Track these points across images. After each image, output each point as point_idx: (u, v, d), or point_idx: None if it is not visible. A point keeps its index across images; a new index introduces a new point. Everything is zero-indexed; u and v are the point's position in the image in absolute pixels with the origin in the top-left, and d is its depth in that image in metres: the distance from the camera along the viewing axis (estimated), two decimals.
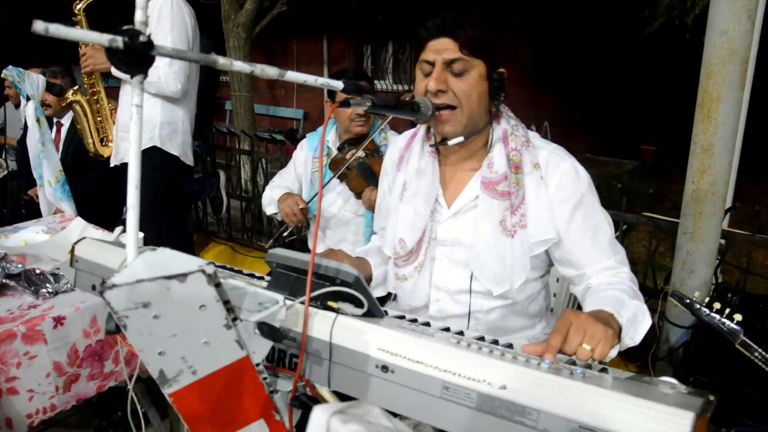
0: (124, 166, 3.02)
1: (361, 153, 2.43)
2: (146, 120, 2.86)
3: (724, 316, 1.62)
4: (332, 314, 0.98)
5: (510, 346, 1.10)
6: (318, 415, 0.77)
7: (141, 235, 1.91)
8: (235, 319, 0.85)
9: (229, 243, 4.74)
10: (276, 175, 2.78)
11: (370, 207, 2.36)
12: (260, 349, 0.91)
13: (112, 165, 3.11)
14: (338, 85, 1.14)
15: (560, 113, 7.92)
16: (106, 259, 1.34)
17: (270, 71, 1.02)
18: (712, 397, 0.80)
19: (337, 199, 2.58)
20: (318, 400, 0.92)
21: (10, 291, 1.82)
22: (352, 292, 1.00)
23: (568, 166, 1.49)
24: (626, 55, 7.51)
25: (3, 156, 4.20)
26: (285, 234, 2.68)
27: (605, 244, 1.49)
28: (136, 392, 1.91)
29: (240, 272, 1.41)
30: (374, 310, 1.03)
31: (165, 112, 2.91)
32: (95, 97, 3.17)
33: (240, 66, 1.00)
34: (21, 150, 3.63)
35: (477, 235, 1.49)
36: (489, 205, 1.48)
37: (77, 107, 3.23)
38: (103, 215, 2.99)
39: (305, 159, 2.67)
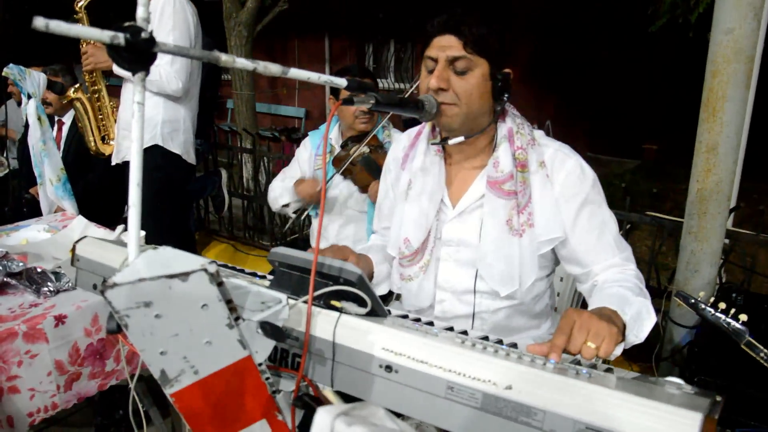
0: (125, 165, 3.03)
1: (365, 148, 2.43)
2: (148, 118, 2.86)
3: (730, 316, 1.61)
4: (335, 313, 0.97)
5: (514, 345, 1.09)
6: (322, 417, 0.77)
7: (142, 233, 1.91)
8: (237, 319, 0.84)
9: (230, 241, 4.74)
10: (279, 173, 2.78)
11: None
12: (263, 348, 0.90)
13: (113, 163, 3.10)
14: (342, 82, 1.13)
15: (562, 112, 7.91)
16: (108, 258, 1.33)
17: (273, 68, 1.01)
18: (719, 398, 0.80)
19: (340, 196, 2.58)
20: (321, 400, 0.91)
21: (11, 289, 1.81)
22: (356, 291, 0.99)
23: (573, 164, 1.48)
24: (628, 54, 7.49)
25: (5, 154, 4.19)
26: (302, 217, 2.67)
27: (611, 241, 1.48)
28: (138, 391, 1.91)
29: (242, 271, 1.40)
30: (378, 309, 1.02)
31: (167, 110, 2.90)
32: (96, 95, 3.16)
33: (243, 63, 0.99)
34: (22, 148, 3.62)
35: (483, 235, 1.48)
36: (495, 205, 1.46)
37: (78, 105, 3.23)
38: (105, 213, 2.99)
39: (308, 157, 2.66)
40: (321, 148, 2.60)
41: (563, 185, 1.46)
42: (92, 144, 3.27)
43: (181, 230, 3.36)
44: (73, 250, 1.40)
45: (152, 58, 0.87)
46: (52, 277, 1.82)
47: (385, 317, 1.03)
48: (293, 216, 2.71)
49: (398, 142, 1.73)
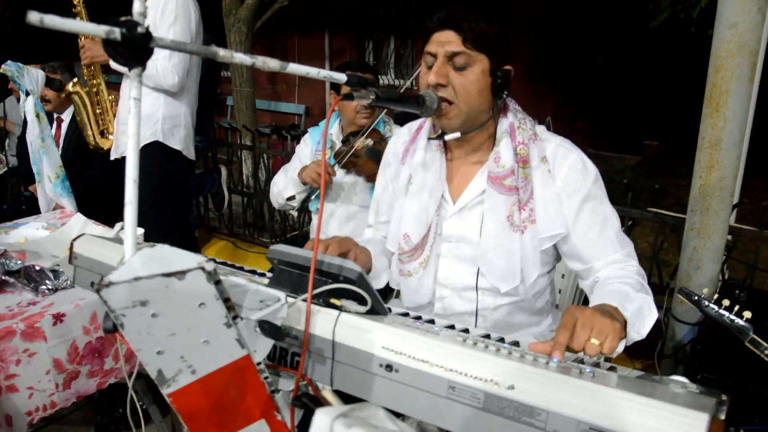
0: (124, 160, 3.00)
1: (368, 141, 2.42)
2: (148, 114, 2.85)
3: (734, 313, 1.60)
4: (335, 312, 0.96)
5: (516, 344, 1.07)
6: (320, 419, 0.75)
7: (141, 231, 1.90)
8: (235, 318, 0.82)
9: (230, 239, 4.73)
10: (280, 170, 2.76)
11: None
12: (261, 347, 0.88)
13: (112, 158, 3.10)
14: (341, 77, 1.12)
15: (563, 108, 7.88)
16: (105, 255, 1.32)
17: (272, 63, 1.00)
18: (724, 397, 0.78)
19: (343, 190, 2.56)
20: (319, 401, 0.90)
21: (9, 288, 1.80)
22: (356, 289, 0.98)
23: (575, 159, 1.46)
24: (629, 50, 7.46)
25: (4, 152, 4.18)
26: (312, 197, 2.64)
27: (613, 237, 1.46)
28: (137, 389, 1.90)
29: (241, 269, 1.39)
30: (378, 307, 1.00)
31: (167, 106, 2.90)
32: (95, 89, 3.14)
33: (241, 58, 0.98)
34: (21, 146, 3.61)
35: (484, 231, 1.47)
36: (496, 201, 1.45)
37: (77, 99, 3.21)
38: (104, 211, 2.97)
39: (309, 153, 2.65)
40: (320, 144, 2.59)
41: (565, 180, 1.45)
42: (91, 138, 3.25)
43: (182, 226, 3.36)
44: (71, 248, 1.39)
45: (148, 53, 0.86)
46: (51, 275, 1.80)
47: (386, 315, 1.02)
48: (296, 213, 2.69)
49: (398, 136, 1.71)
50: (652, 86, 7.59)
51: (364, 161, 2.42)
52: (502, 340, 1.09)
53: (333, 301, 0.99)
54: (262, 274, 1.34)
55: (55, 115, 3.59)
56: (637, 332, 1.23)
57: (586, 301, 1.55)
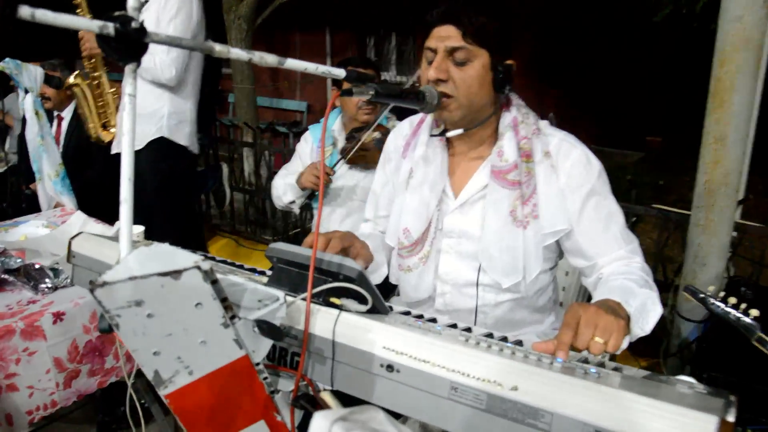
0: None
1: (376, 134, 2.39)
2: (153, 111, 2.86)
3: (740, 311, 1.58)
4: (335, 311, 0.95)
5: (520, 343, 1.06)
6: (318, 423, 0.74)
7: (141, 229, 1.89)
8: (233, 317, 0.81)
9: (232, 236, 4.72)
10: (281, 169, 2.74)
11: None
12: (260, 348, 0.87)
13: (113, 152, 3.11)
14: (340, 73, 1.10)
15: (565, 104, 7.85)
16: (104, 254, 1.30)
17: (269, 59, 0.99)
18: (732, 397, 0.77)
19: (345, 186, 2.54)
20: (318, 403, 0.88)
21: (9, 286, 1.79)
22: (356, 288, 0.97)
23: (579, 154, 1.44)
24: (632, 45, 7.42)
25: (5, 149, 4.17)
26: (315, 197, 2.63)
27: (617, 233, 1.44)
28: (138, 388, 1.89)
29: (241, 267, 1.37)
30: (379, 306, 0.99)
31: (172, 102, 2.91)
32: (96, 82, 3.14)
33: (238, 53, 0.96)
34: (21, 143, 3.60)
35: (486, 227, 1.45)
36: (498, 195, 1.43)
37: (78, 91, 3.20)
38: (106, 209, 2.97)
39: (310, 150, 2.63)
40: (321, 140, 2.57)
41: (569, 175, 1.43)
42: (92, 130, 3.24)
43: (189, 221, 3.37)
44: (69, 246, 1.38)
45: (143, 48, 0.84)
46: (50, 274, 1.79)
47: (387, 314, 1.00)
48: (298, 210, 2.68)
49: (399, 129, 1.69)
50: (655, 82, 7.55)
51: (374, 153, 2.39)
52: (505, 339, 1.07)
53: (333, 300, 0.97)
54: (263, 273, 1.32)
55: (55, 113, 3.57)
56: (641, 328, 1.21)
57: (589, 299, 1.53)
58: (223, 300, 0.79)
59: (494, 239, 1.44)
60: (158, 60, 2.73)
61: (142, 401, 1.89)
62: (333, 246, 1.34)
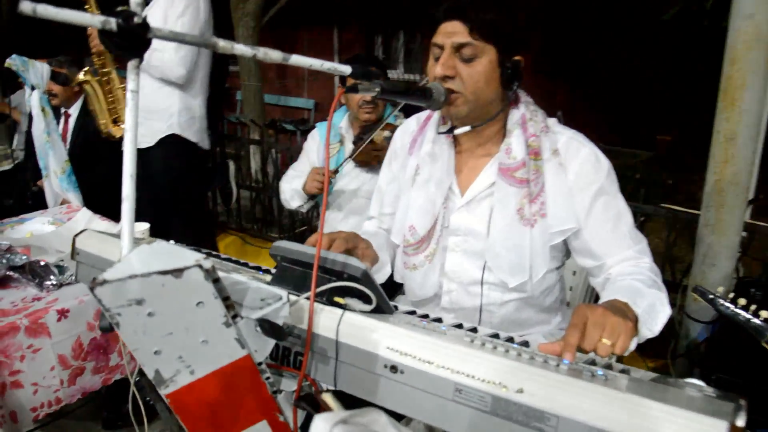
0: (139, 152, 3.04)
1: (386, 132, 2.38)
2: (164, 108, 2.88)
3: (750, 312, 1.56)
4: (339, 311, 0.93)
5: (526, 344, 1.04)
6: (319, 426, 0.73)
7: (146, 226, 1.88)
8: (235, 317, 0.80)
9: (239, 234, 4.71)
10: (289, 168, 2.74)
11: None
12: (262, 347, 0.86)
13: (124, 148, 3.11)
14: (346, 69, 1.09)
15: (574, 102, 7.80)
16: (108, 251, 1.30)
17: (273, 55, 0.98)
18: (742, 401, 0.75)
19: (350, 186, 2.53)
20: (319, 405, 0.87)
21: (14, 283, 1.79)
22: (360, 287, 0.95)
23: (588, 153, 1.43)
24: (641, 43, 7.37)
25: (13, 146, 4.18)
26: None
27: (626, 233, 1.42)
28: (143, 385, 1.89)
29: (246, 265, 1.36)
30: (383, 305, 0.98)
31: (182, 99, 2.92)
32: (106, 78, 3.14)
33: (241, 49, 0.95)
34: (27, 140, 3.61)
35: (492, 225, 1.44)
36: (506, 193, 1.42)
37: (88, 88, 3.21)
38: (112, 206, 2.97)
39: (317, 148, 2.62)
40: (330, 137, 2.56)
41: (577, 174, 1.41)
42: (103, 126, 3.25)
43: (200, 217, 3.39)
44: (73, 243, 1.37)
45: (146, 44, 0.83)
46: (55, 271, 1.79)
47: (392, 314, 0.99)
48: (305, 210, 2.68)
49: (405, 126, 1.68)
50: (665, 80, 7.50)
51: (385, 154, 2.38)
52: (511, 339, 1.06)
53: (337, 299, 0.96)
54: (267, 271, 1.31)
55: (63, 110, 3.57)
56: (649, 329, 1.20)
57: (597, 299, 1.51)
58: (225, 299, 0.78)
59: (501, 238, 1.43)
60: (167, 58, 2.74)
61: (148, 398, 1.89)
62: (337, 246, 1.33)
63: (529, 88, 1.47)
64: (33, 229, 2.22)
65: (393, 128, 2.38)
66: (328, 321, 0.92)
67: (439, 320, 1.13)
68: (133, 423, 1.24)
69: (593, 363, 0.94)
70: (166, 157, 2.94)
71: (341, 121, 2.58)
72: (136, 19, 0.81)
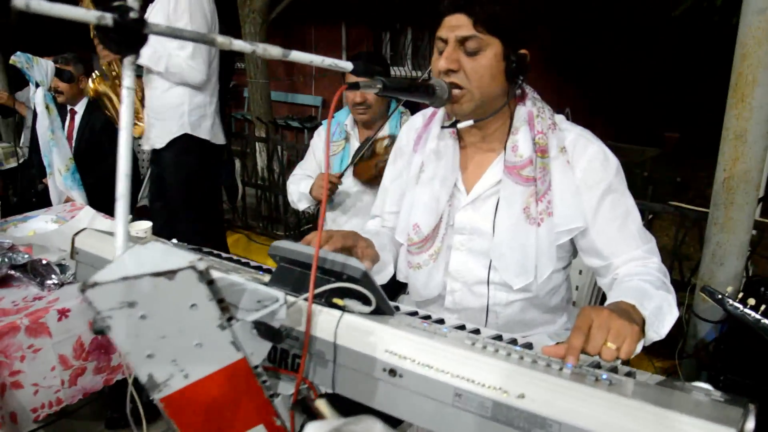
0: (153, 153, 3.10)
1: (386, 142, 2.36)
2: (174, 107, 2.89)
3: (760, 312, 1.53)
4: (338, 312, 0.91)
5: (529, 345, 1.02)
6: None
7: (148, 225, 1.87)
8: (230, 319, 0.78)
9: (245, 231, 4.71)
10: (296, 167, 2.72)
11: None
12: (259, 350, 0.84)
13: (145, 149, 3.19)
14: (347, 66, 1.07)
15: (582, 99, 7.75)
16: (107, 251, 1.28)
17: (273, 51, 0.96)
18: (752, 405, 0.73)
19: (356, 186, 2.51)
20: (313, 412, 0.86)
21: (15, 282, 1.79)
22: (359, 288, 0.93)
23: (595, 150, 1.40)
24: (650, 40, 7.31)
25: (20, 143, 4.18)
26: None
27: (634, 232, 1.40)
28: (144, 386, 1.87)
29: (247, 264, 1.34)
30: (383, 307, 0.96)
31: (192, 97, 2.93)
32: (117, 81, 3.16)
33: (240, 45, 0.93)
34: (32, 138, 3.61)
35: (498, 224, 1.41)
36: (512, 191, 1.39)
37: (106, 101, 3.24)
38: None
39: (323, 146, 2.60)
40: (335, 135, 2.55)
41: (585, 172, 1.39)
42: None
43: (212, 214, 3.40)
44: (72, 242, 1.36)
45: (142, 40, 0.82)
46: (57, 270, 1.78)
47: (392, 315, 0.97)
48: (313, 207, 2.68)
49: (411, 123, 1.66)
50: (674, 76, 7.44)
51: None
52: (514, 341, 1.04)
53: (336, 300, 0.94)
54: (269, 271, 1.29)
55: (69, 107, 3.57)
56: (656, 332, 1.17)
57: (604, 298, 1.48)
58: (220, 301, 0.76)
59: (506, 237, 1.41)
60: (184, 64, 2.77)
61: (151, 398, 1.88)
62: (334, 242, 1.30)
63: (538, 84, 1.44)
64: (36, 227, 2.21)
65: (393, 139, 2.36)
66: (326, 323, 0.90)
67: (441, 321, 1.11)
68: (131, 424, 1.23)
69: (598, 366, 0.92)
70: (177, 154, 2.96)
71: (346, 118, 2.56)
72: (132, 14, 0.79)
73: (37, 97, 2.50)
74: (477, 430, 0.76)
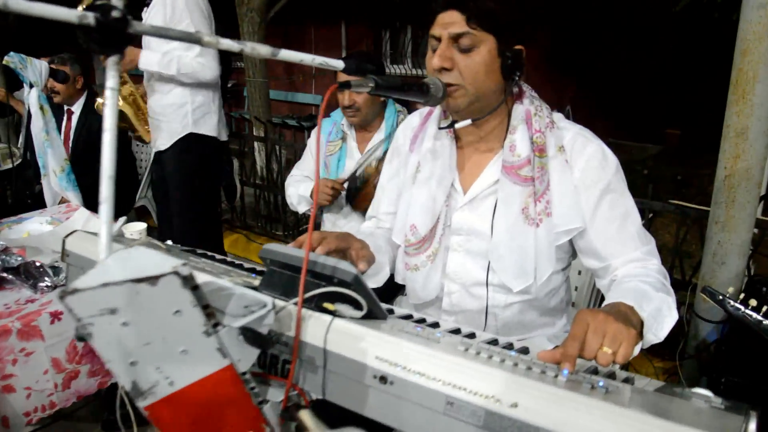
0: (159, 154, 3.08)
1: (379, 153, 2.35)
2: (178, 106, 2.88)
3: (761, 313, 1.51)
4: (328, 317, 0.89)
5: (525, 350, 1.00)
6: None
7: (143, 226, 1.85)
8: (216, 325, 0.76)
9: (243, 231, 4.69)
10: (294, 167, 2.71)
11: None
12: (246, 356, 0.82)
13: (155, 149, 3.16)
14: (338, 65, 1.05)
15: (582, 96, 7.73)
16: (96, 253, 1.26)
17: (261, 50, 0.94)
18: (753, 412, 0.71)
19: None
20: (299, 425, 0.83)
21: (8, 285, 1.77)
22: (350, 292, 0.91)
23: (594, 149, 1.37)
24: (651, 36, 7.28)
25: (18, 144, 4.16)
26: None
27: (633, 233, 1.37)
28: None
29: (241, 266, 1.32)
30: (375, 311, 0.94)
31: (194, 95, 2.92)
32: (122, 86, 3.16)
33: (228, 44, 0.92)
34: (27, 139, 3.60)
35: (496, 225, 1.39)
36: (510, 191, 1.37)
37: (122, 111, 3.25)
38: (118, 204, 2.96)
39: (323, 145, 2.58)
40: (332, 134, 2.53)
41: (584, 171, 1.36)
42: (145, 135, 3.29)
43: (212, 215, 3.39)
44: (63, 244, 1.34)
45: (126, 39, 0.80)
46: (50, 272, 1.77)
47: (384, 320, 0.95)
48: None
49: (408, 122, 1.63)
50: (674, 73, 7.41)
51: None
52: (510, 345, 1.02)
53: (327, 305, 0.92)
54: (262, 272, 1.27)
55: (66, 107, 3.55)
56: (654, 335, 1.15)
57: (603, 300, 1.46)
58: (205, 307, 0.74)
59: (504, 238, 1.38)
60: (195, 63, 2.76)
61: (136, 406, 1.86)
62: (327, 244, 1.27)
63: (538, 82, 1.42)
64: (31, 228, 2.20)
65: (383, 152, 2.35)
66: (316, 328, 0.88)
67: (436, 325, 1.08)
68: (121, 428, 1.20)
69: (595, 371, 0.90)
70: (181, 151, 2.95)
71: (342, 118, 2.53)
72: (114, 13, 0.77)
73: (31, 98, 2.48)
74: None
